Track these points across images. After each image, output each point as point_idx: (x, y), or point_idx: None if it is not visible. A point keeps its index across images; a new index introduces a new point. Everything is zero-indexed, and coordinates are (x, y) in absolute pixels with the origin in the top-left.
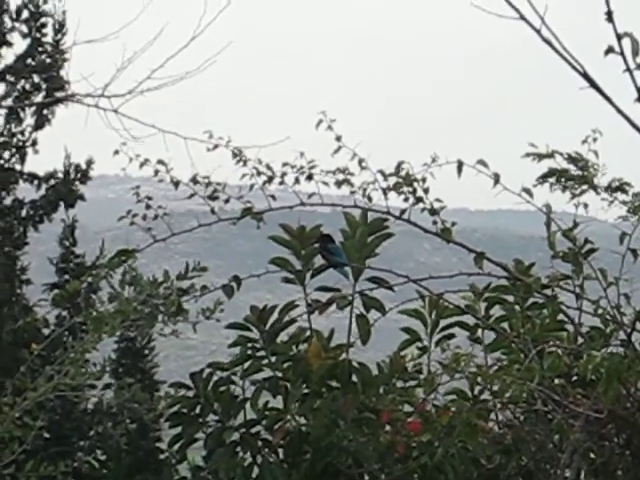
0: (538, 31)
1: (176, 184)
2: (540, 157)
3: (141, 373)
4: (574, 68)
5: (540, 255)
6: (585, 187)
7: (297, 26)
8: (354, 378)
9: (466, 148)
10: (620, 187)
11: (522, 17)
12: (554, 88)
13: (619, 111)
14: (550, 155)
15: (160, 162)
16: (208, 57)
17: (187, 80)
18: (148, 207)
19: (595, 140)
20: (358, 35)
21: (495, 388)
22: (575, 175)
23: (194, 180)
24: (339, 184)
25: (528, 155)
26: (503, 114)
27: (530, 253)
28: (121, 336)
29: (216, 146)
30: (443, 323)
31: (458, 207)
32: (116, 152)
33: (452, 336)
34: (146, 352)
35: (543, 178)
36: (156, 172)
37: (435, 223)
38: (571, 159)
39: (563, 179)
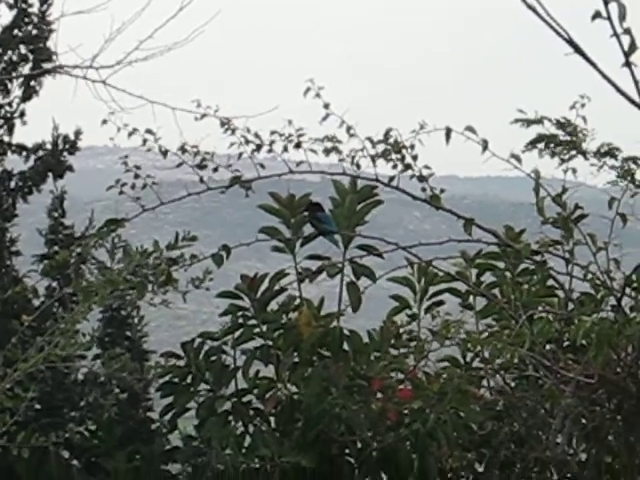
0: None
1: (164, 153)
2: (529, 123)
3: (129, 342)
4: (559, 34)
5: (529, 221)
6: (574, 152)
7: None
8: (345, 346)
9: (455, 115)
10: (609, 152)
11: None
12: (542, 55)
13: (604, 76)
14: (539, 121)
15: (148, 131)
16: (196, 27)
17: (176, 51)
18: (137, 176)
19: (583, 106)
20: (346, 5)
21: (486, 354)
22: (564, 140)
23: (182, 149)
24: (327, 152)
25: (517, 121)
26: (491, 82)
27: (520, 219)
28: (106, 306)
29: (204, 115)
30: (433, 290)
31: (447, 174)
32: (104, 122)
33: (441, 303)
34: (135, 321)
35: (532, 144)
36: (144, 141)
37: (424, 190)
38: (560, 124)
39: (552, 144)
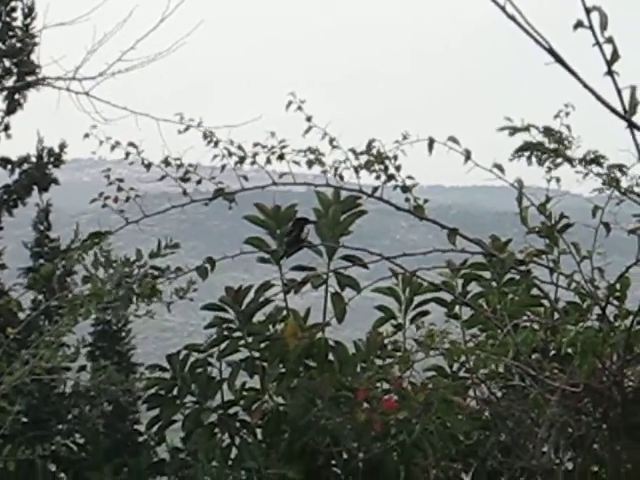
0: (502, 7)
1: (148, 166)
2: (515, 130)
3: (118, 355)
4: (539, 44)
5: (516, 231)
6: (560, 160)
7: (269, 6)
8: (331, 357)
9: (441, 125)
10: (595, 159)
11: None
12: (527, 66)
13: (585, 85)
14: (525, 128)
15: (131, 144)
16: (179, 38)
17: (159, 61)
18: (120, 189)
19: (567, 114)
20: (331, 16)
21: (472, 364)
22: (550, 148)
23: (166, 162)
24: (310, 164)
25: (504, 129)
26: (479, 92)
27: (506, 229)
28: (97, 319)
29: (187, 128)
30: (418, 300)
31: (433, 184)
32: (86, 135)
33: (426, 313)
34: (123, 335)
35: (519, 151)
36: (127, 155)
37: (407, 200)
38: (547, 131)
39: (539, 152)
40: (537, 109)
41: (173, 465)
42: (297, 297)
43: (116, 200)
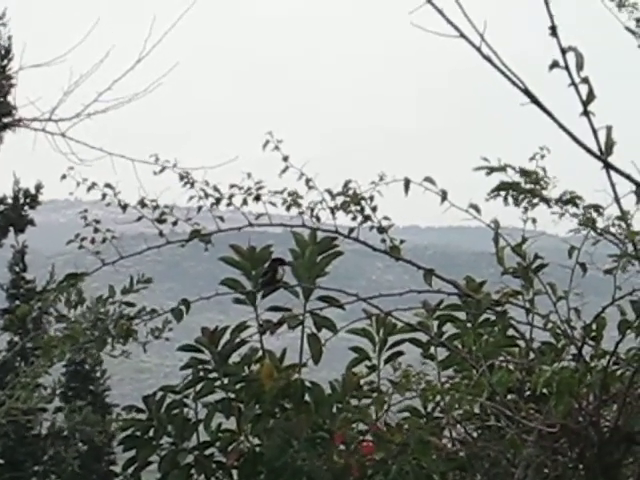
0: (478, 48)
1: (124, 207)
2: (492, 170)
3: (92, 396)
4: (515, 84)
5: (492, 271)
6: (536, 200)
7: (245, 48)
8: (307, 398)
9: (417, 165)
10: (571, 200)
11: (462, 35)
12: (502, 107)
13: (561, 126)
14: (502, 168)
15: (107, 185)
16: (155, 79)
17: (135, 103)
18: (96, 231)
19: (543, 157)
20: (306, 56)
21: (446, 404)
22: (527, 188)
23: (142, 203)
24: (287, 207)
25: (480, 168)
26: (455, 132)
27: (482, 269)
28: (69, 359)
29: (163, 169)
30: (392, 340)
31: (409, 225)
32: (63, 177)
33: (401, 353)
34: (97, 375)
35: (495, 191)
36: (104, 196)
37: (384, 241)
38: (523, 172)
39: (515, 192)
40: (513, 150)
41: None
42: (273, 338)
43: (92, 241)
